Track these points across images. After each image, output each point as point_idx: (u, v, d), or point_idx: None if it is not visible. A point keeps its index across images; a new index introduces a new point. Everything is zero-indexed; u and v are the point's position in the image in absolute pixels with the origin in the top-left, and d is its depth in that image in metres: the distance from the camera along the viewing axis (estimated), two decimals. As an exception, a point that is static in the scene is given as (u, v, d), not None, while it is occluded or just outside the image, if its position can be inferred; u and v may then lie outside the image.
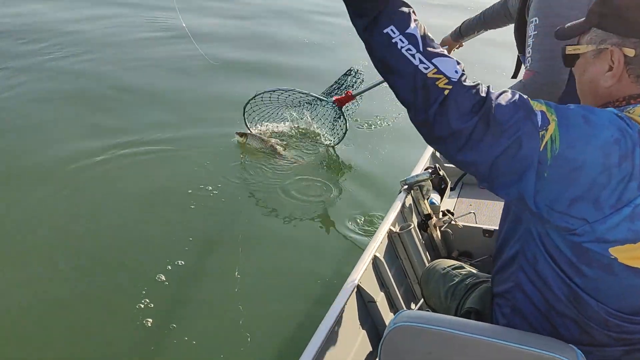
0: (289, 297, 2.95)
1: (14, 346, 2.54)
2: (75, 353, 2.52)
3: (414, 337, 1.34)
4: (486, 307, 1.53)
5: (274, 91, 4.24)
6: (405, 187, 2.63)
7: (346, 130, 4.27)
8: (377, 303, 2.13)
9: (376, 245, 2.24)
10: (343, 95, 4.15)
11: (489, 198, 3.08)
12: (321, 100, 4.24)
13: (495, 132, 1.08)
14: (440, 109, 1.09)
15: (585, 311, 1.23)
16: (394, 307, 2.28)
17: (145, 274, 2.98)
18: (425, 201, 2.64)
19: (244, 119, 4.42)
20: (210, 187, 3.83)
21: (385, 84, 4.29)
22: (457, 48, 3.30)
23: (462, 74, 1.11)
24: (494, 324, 1.44)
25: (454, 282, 1.72)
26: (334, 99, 4.12)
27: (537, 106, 1.12)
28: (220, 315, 2.80)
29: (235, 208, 3.68)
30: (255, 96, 4.25)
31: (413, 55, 1.09)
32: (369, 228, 3.47)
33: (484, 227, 2.65)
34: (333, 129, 4.42)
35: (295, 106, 4.49)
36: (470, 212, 2.82)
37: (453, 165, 3.28)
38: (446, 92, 1.08)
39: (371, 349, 2.09)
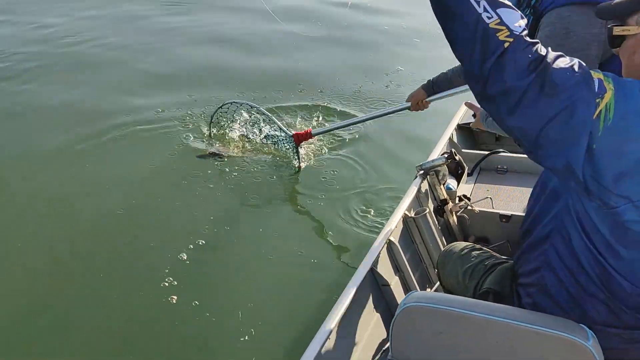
0: (304, 280, 3.01)
1: (40, 321, 2.65)
2: (104, 330, 2.62)
3: (424, 317, 1.38)
4: (505, 288, 1.53)
5: (241, 104, 4.23)
6: (421, 172, 2.63)
7: (299, 169, 3.96)
8: (391, 287, 2.15)
9: (391, 230, 2.26)
10: (303, 131, 3.87)
11: (506, 184, 3.08)
12: (281, 129, 4.01)
13: (549, 93, 1.04)
14: (497, 63, 1.05)
15: (616, 293, 1.23)
16: (408, 290, 2.30)
17: (168, 254, 3.07)
18: (442, 186, 2.65)
19: (210, 128, 4.33)
20: (227, 169, 3.92)
21: (348, 127, 4.03)
22: (422, 108, 3.04)
23: (524, 29, 1.06)
24: (511, 305, 1.45)
25: (473, 262, 1.71)
26: (293, 133, 3.87)
27: (595, 74, 1.09)
28: (238, 294, 2.88)
29: (253, 191, 3.74)
30: (222, 105, 4.21)
31: (478, 2, 1.05)
32: (384, 213, 3.50)
33: (501, 212, 2.65)
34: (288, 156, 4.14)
35: (256, 124, 4.35)
36: (486, 197, 2.82)
37: (470, 151, 3.30)
38: (506, 45, 1.04)
39: (385, 332, 2.12)
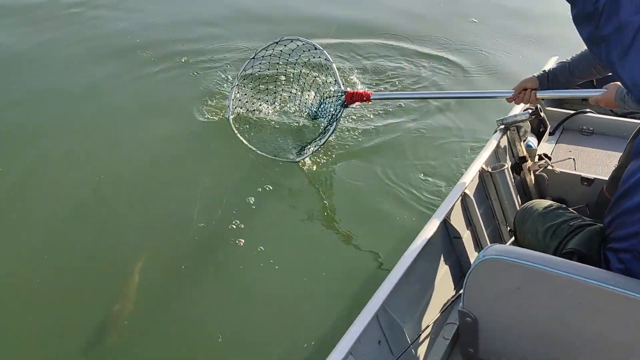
0: (375, 226, 3.01)
1: (103, 274, 2.71)
2: (175, 272, 2.68)
3: (502, 271, 1.33)
4: (592, 250, 1.47)
5: (304, 43, 3.45)
6: (502, 126, 2.53)
7: (329, 136, 3.34)
8: (462, 239, 2.12)
9: (466, 183, 2.21)
10: (361, 91, 3.17)
11: (590, 145, 2.91)
12: (337, 82, 3.32)
13: None
14: None
15: None
16: (479, 245, 2.27)
17: (236, 196, 3.13)
18: (522, 143, 2.54)
19: (234, 87, 3.85)
20: (299, 119, 3.88)
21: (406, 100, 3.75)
22: (527, 100, 2.28)
23: None
24: (600, 268, 1.38)
25: (557, 221, 1.65)
26: (346, 90, 3.20)
27: None
28: (304, 239, 2.91)
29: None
30: (280, 40, 3.57)
31: None
32: (462, 165, 3.42)
33: (583, 174, 2.53)
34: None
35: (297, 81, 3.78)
36: (569, 158, 2.70)
37: (554, 109, 3.12)
38: None
39: (452, 285, 2.10)
